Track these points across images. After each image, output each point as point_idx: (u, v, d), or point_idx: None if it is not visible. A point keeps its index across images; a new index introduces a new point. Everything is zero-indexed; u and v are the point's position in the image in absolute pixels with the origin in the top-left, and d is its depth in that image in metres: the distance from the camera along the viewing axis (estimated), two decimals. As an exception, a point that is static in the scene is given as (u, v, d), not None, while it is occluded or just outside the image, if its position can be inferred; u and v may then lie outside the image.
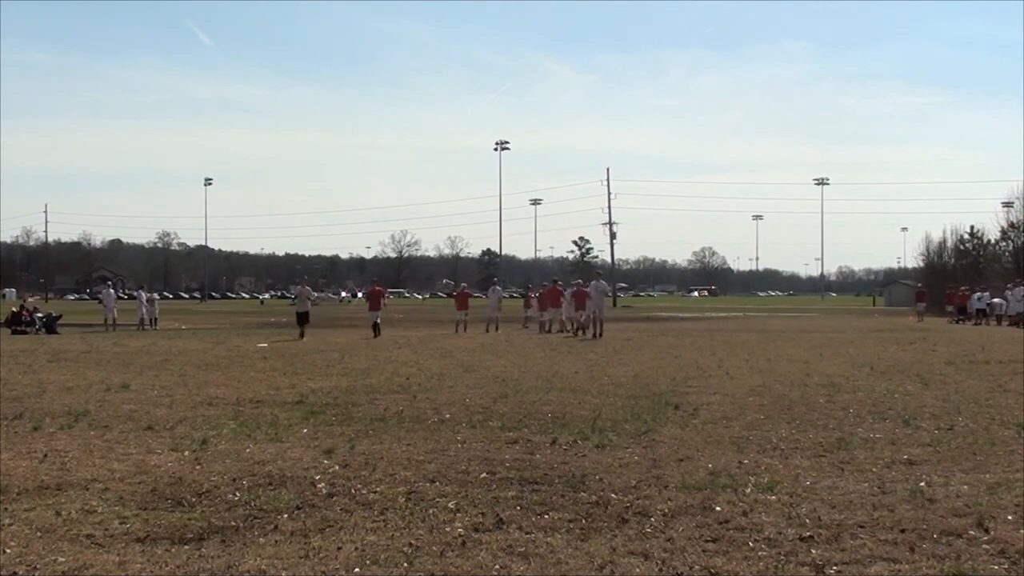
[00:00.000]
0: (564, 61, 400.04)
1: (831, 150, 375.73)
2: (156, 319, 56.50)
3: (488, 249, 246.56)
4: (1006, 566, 7.12)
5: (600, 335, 38.78)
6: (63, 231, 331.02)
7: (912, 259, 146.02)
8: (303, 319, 40.47)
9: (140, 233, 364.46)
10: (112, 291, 60.04)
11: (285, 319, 41.51)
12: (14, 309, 53.27)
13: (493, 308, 49.47)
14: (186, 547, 7.65)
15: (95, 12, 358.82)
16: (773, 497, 9.33)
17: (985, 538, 7.83)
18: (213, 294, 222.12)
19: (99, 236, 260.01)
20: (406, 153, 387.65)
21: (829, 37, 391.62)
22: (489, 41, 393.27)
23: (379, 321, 41.80)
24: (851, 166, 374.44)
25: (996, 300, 60.46)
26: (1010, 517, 8.50)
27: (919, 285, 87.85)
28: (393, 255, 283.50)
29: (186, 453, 11.85)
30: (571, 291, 45.45)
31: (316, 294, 44.22)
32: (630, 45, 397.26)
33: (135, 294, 63.36)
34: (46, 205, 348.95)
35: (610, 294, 51.08)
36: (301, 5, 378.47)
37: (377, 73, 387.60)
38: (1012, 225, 79.59)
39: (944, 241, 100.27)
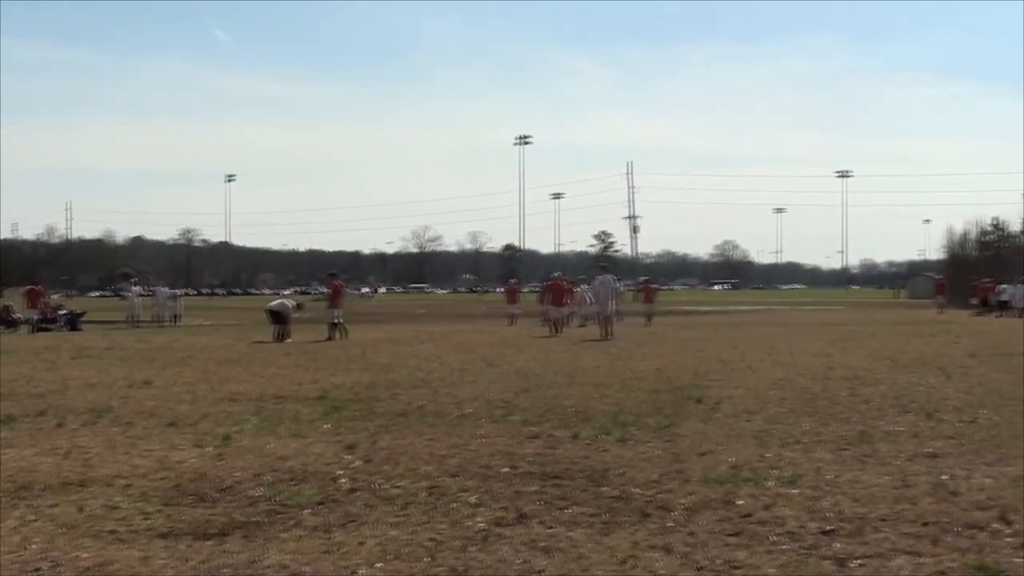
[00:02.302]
0: (586, 55, 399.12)
1: (854, 142, 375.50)
2: (180, 315, 56.56)
3: (510, 244, 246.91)
4: (1029, 559, 7.10)
5: (609, 335, 35.61)
6: (86, 228, 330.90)
7: (935, 251, 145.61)
8: (278, 319, 37.29)
9: (162, 230, 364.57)
10: (136, 288, 60.27)
11: (309, 314, 40.90)
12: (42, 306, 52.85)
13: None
14: (209, 543, 7.67)
15: (116, 10, 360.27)
16: (795, 491, 9.31)
17: (1008, 531, 7.81)
18: (235, 290, 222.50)
19: (121, 233, 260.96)
20: (428, 148, 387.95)
21: (855, 29, 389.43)
22: (510, 36, 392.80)
23: (340, 320, 37.68)
24: (874, 158, 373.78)
25: (1007, 286, 60.30)
26: (1033, 510, 8.47)
27: (939, 277, 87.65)
28: (415, 250, 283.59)
29: (208, 449, 11.88)
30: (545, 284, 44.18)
31: (292, 302, 39.43)
32: (652, 38, 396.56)
33: (149, 291, 63.35)
34: (68, 203, 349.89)
35: (622, 290, 49.64)
36: (321, 1, 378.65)
37: (397, 69, 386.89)
38: (1034, 216, 79.30)
39: (967, 233, 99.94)
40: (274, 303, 39.48)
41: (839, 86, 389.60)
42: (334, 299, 38.63)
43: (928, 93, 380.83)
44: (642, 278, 77.25)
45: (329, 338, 35.87)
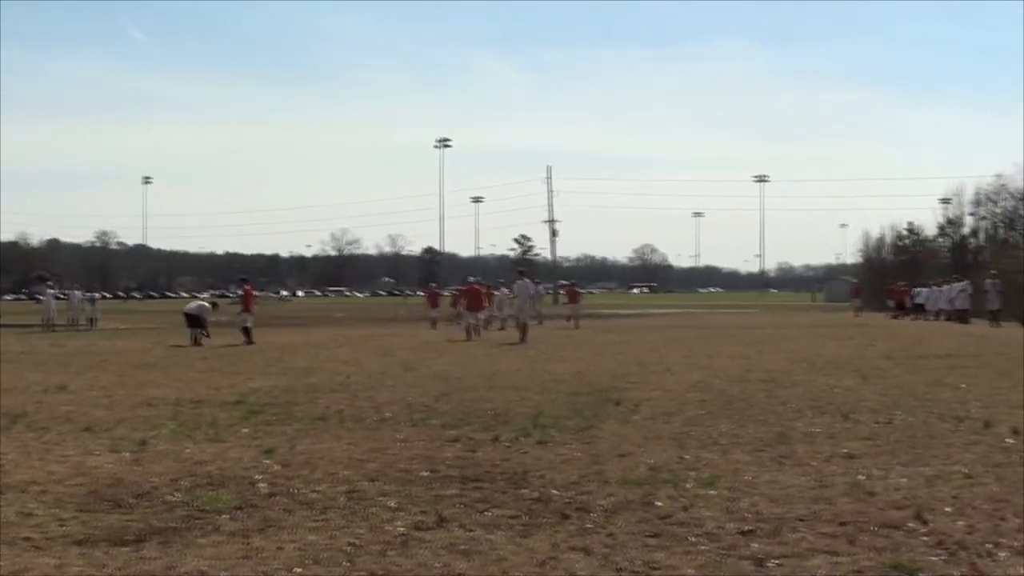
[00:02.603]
0: (503, 59, 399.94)
1: (770, 147, 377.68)
2: (96, 319, 55.95)
3: (429, 247, 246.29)
4: (944, 557, 7.19)
5: (523, 340, 35.06)
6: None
7: (851, 255, 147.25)
8: (194, 322, 36.96)
9: (78, 232, 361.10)
10: (51, 291, 59.57)
11: (225, 317, 40.67)
12: None
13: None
14: (125, 549, 7.58)
15: (28, 9, 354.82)
16: (713, 492, 9.37)
17: (924, 530, 7.91)
18: (152, 293, 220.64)
19: (36, 236, 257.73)
20: (347, 151, 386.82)
21: (766, 34, 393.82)
22: (426, 37, 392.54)
23: (250, 325, 37.06)
24: (790, 163, 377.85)
25: (923, 290, 60.99)
26: (948, 509, 8.58)
27: (855, 281, 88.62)
28: (334, 253, 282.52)
29: (125, 454, 11.75)
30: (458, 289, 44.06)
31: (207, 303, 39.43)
32: (568, 43, 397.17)
33: (63, 294, 62.58)
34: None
35: (543, 293, 50.02)
36: (237, 1, 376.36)
37: (315, 69, 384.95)
38: (950, 221, 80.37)
39: (883, 237, 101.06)
40: (191, 306, 39.23)
41: (754, 91, 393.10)
42: (246, 303, 38.51)
43: (840, 99, 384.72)
44: (563, 281, 77.40)
45: (248, 342, 35.59)
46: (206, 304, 39.13)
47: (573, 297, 57.61)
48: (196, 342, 35.26)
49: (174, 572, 7.01)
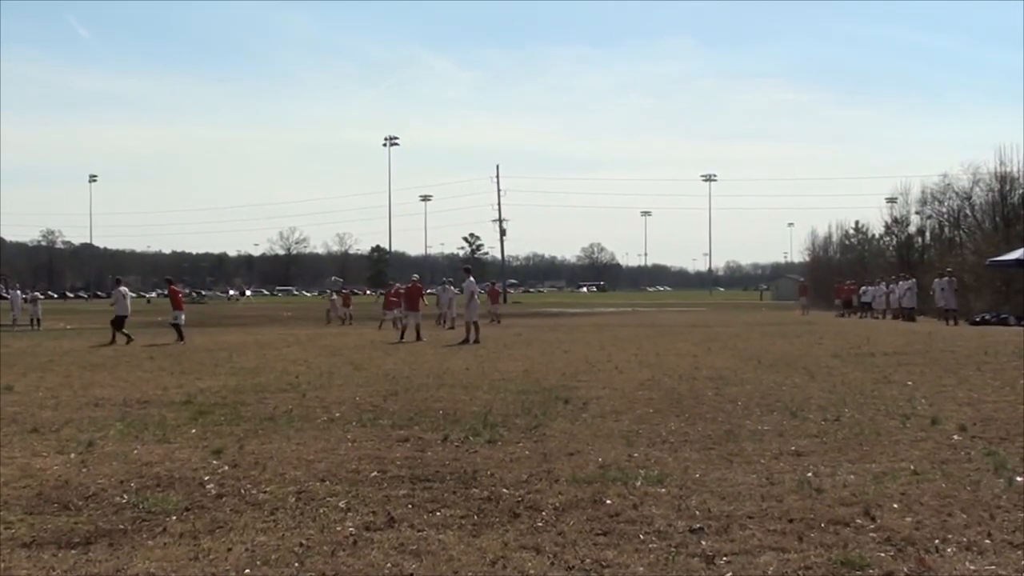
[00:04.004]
0: (447, 57, 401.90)
1: (716, 146, 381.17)
2: (40, 319, 55.53)
3: (378, 246, 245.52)
4: (892, 553, 7.24)
5: (476, 340, 34.58)
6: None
7: (798, 254, 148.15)
8: (119, 323, 37.35)
9: (23, 231, 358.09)
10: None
11: (167, 318, 40.46)
12: None
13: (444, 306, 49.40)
14: (73, 551, 7.53)
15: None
16: (663, 490, 9.40)
17: (872, 526, 7.96)
18: (99, 293, 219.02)
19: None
20: (295, 149, 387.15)
21: (709, 34, 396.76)
22: (371, 35, 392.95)
23: (180, 323, 37.55)
24: (737, 163, 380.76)
25: (871, 288, 61.41)
26: (896, 505, 8.64)
27: (802, 279, 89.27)
28: (281, 252, 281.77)
29: (72, 455, 11.66)
30: (400, 287, 44.06)
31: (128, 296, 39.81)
32: (511, 42, 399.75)
33: (6, 294, 62.06)
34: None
35: (483, 292, 50.49)
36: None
37: (263, 67, 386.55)
38: (896, 220, 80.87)
39: (830, 236, 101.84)
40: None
41: (699, 91, 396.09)
42: (174, 303, 38.98)
43: (785, 98, 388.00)
44: (512, 280, 77.91)
45: (179, 339, 36.14)
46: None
47: (493, 297, 60.75)
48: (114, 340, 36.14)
49: (122, 574, 6.97)
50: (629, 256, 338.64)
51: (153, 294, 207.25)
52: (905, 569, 6.90)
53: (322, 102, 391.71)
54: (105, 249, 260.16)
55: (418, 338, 36.65)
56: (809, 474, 10.08)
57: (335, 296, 59.95)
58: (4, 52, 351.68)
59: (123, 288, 39.58)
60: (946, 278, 49.14)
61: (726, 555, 7.23)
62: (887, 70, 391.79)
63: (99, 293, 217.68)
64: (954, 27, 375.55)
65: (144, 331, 39.08)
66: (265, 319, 64.42)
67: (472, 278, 38.62)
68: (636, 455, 11.29)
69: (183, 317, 38.04)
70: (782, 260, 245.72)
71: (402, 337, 37.08)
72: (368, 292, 70.42)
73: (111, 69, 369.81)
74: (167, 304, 40.36)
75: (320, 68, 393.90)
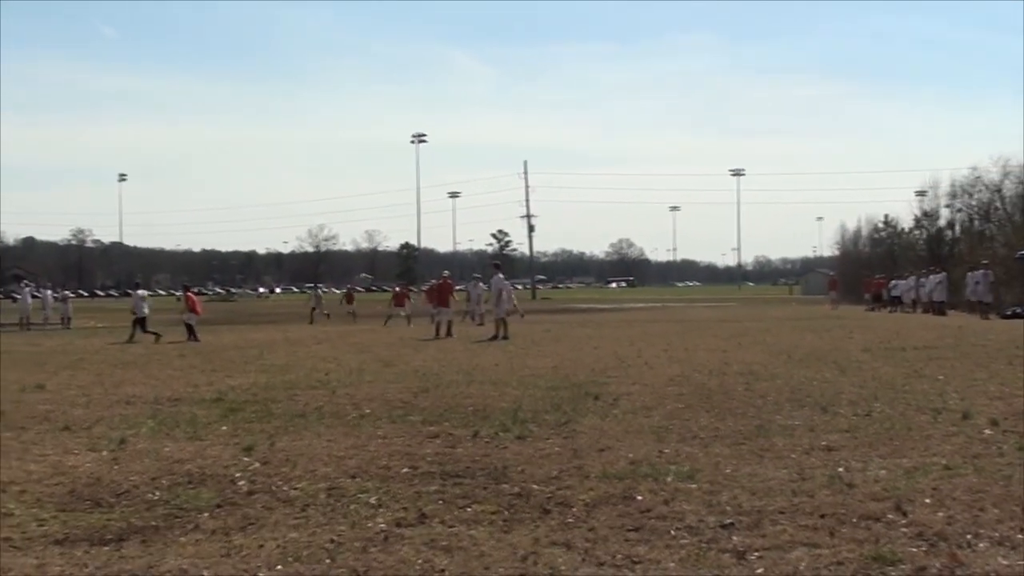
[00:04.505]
0: (471, 54, 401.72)
1: (743, 141, 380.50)
2: (70, 317, 55.80)
3: (407, 243, 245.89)
4: (924, 548, 7.20)
5: (504, 336, 34.44)
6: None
7: (828, 248, 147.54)
8: (141, 324, 38.41)
9: (54, 230, 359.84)
10: (27, 289, 59.40)
11: (207, 314, 40.63)
12: None
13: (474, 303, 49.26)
14: (106, 548, 7.55)
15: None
16: (694, 485, 9.37)
17: (903, 521, 7.92)
18: (128, 291, 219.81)
19: (11, 234, 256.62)
20: (324, 147, 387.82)
21: (733, 29, 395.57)
22: (393, 33, 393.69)
23: (193, 323, 38.11)
24: (764, 157, 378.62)
25: (901, 282, 61.13)
26: (927, 500, 8.60)
27: (832, 274, 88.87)
28: (311, 249, 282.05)
29: (104, 453, 11.71)
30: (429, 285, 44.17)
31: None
32: (534, 38, 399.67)
33: (37, 293, 62.25)
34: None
35: (517, 288, 50.15)
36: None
37: (290, 66, 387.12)
38: (925, 214, 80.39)
39: (859, 230, 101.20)
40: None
41: (722, 86, 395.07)
42: (190, 307, 39.21)
43: (812, 92, 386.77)
44: (540, 277, 77.70)
45: (189, 339, 36.69)
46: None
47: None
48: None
49: (155, 571, 6.99)
50: (658, 251, 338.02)
51: (180, 293, 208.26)
52: (937, 564, 6.86)
53: (350, 101, 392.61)
54: (135, 248, 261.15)
55: (449, 334, 36.64)
56: (840, 469, 10.03)
57: (320, 294, 59.86)
58: (33, 54, 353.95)
59: (141, 291, 40.09)
60: (981, 271, 48.53)
61: (757, 550, 7.20)
62: (914, 63, 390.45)
63: (128, 292, 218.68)
64: (982, 19, 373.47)
65: (175, 328, 39.01)
66: (295, 316, 64.46)
67: (501, 274, 38.59)
68: (667, 451, 11.27)
69: (195, 319, 38.50)
70: (811, 254, 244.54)
71: (437, 334, 37.01)
72: (412, 289, 69.64)
73: (137, 69, 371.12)
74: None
75: (344, 66, 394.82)
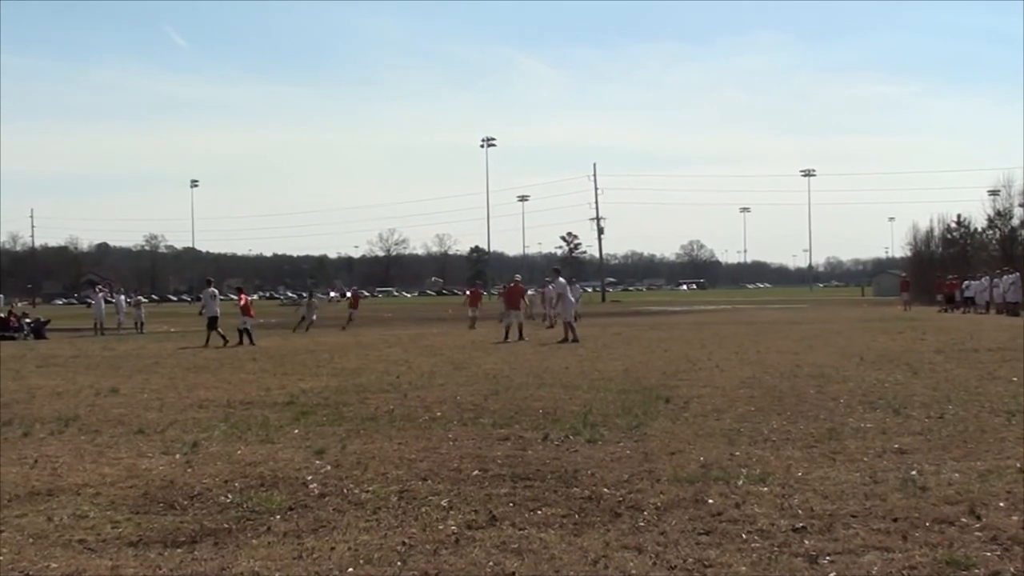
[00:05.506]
0: (537, 57, 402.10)
1: (813, 141, 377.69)
2: (143, 322, 56.35)
3: (476, 246, 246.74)
4: (999, 552, 7.13)
5: (574, 340, 34.41)
6: (50, 236, 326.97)
7: (900, 249, 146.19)
8: (212, 323, 38.90)
9: (127, 236, 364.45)
10: (101, 294, 60.11)
11: (275, 320, 40.83)
12: (1, 315, 53.07)
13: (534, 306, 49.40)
14: (179, 550, 7.63)
15: (75, 16, 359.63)
16: (765, 488, 9.33)
17: (977, 525, 7.85)
18: (200, 296, 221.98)
19: (86, 240, 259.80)
20: (393, 152, 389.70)
21: (801, 28, 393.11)
22: (460, 37, 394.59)
23: (248, 328, 38.48)
24: (835, 157, 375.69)
25: (974, 283, 60.51)
26: (1001, 504, 8.51)
27: (904, 275, 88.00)
28: (381, 254, 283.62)
29: (177, 456, 11.83)
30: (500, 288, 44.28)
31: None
32: (602, 40, 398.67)
33: (110, 299, 62.68)
34: (32, 210, 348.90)
35: (583, 291, 50.07)
36: (275, 4, 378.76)
37: (354, 71, 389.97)
38: (999, 213, 79.64)
39: (931, 230, 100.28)
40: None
41: (794, 85, 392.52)
42: (244, 310, 39.60)
43: (881, 91, 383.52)
44: (610, 279, 77.62)
45: (239, 343, 37.12)
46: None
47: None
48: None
49: (227, 573, 7.05)
50: (728, 253, 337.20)
51: (255, 296, 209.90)
52: (1012, 569, 6.79)
53: (416, 105, 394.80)
54: (207, 253, 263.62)
55: (521, 337, 36.65)
56: (913, 472, 9.95)
57: (314, 300, 58.89)
58: (107, 62, 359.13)
59: (212, 289, 40.41)
60: (1008, 276, 48.16)
61: (829, 554, 7.16)
62: (987, 60, 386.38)
63: (200, 296, 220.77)
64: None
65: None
66: (366, 320, 64.74)
67: (562, 278, 38.81)
68: (738, 454, 11.22)
69: (250, 323, 38.90)
70: (883, 255, 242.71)
71: (506, 337, 37.04)
72: (484, 293, 69.41)
73: (208, 76, 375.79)
74: (266, 306, 40.82)
75: (412, 71, 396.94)
